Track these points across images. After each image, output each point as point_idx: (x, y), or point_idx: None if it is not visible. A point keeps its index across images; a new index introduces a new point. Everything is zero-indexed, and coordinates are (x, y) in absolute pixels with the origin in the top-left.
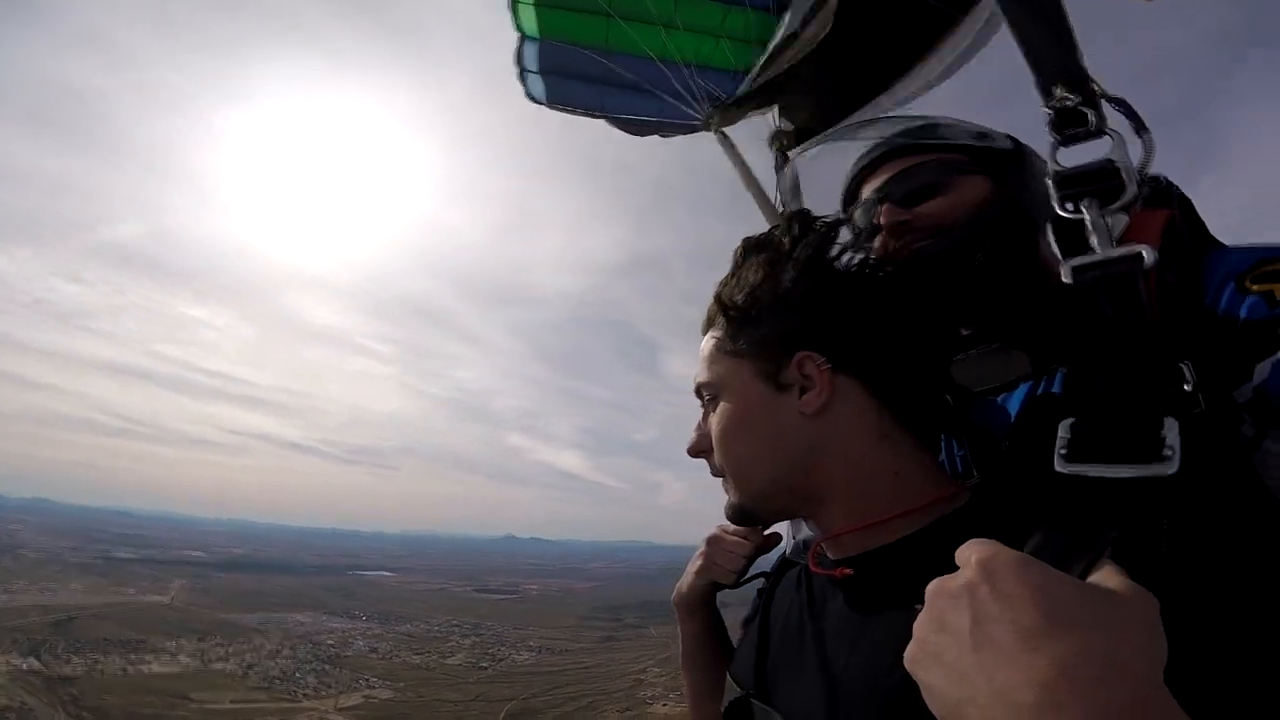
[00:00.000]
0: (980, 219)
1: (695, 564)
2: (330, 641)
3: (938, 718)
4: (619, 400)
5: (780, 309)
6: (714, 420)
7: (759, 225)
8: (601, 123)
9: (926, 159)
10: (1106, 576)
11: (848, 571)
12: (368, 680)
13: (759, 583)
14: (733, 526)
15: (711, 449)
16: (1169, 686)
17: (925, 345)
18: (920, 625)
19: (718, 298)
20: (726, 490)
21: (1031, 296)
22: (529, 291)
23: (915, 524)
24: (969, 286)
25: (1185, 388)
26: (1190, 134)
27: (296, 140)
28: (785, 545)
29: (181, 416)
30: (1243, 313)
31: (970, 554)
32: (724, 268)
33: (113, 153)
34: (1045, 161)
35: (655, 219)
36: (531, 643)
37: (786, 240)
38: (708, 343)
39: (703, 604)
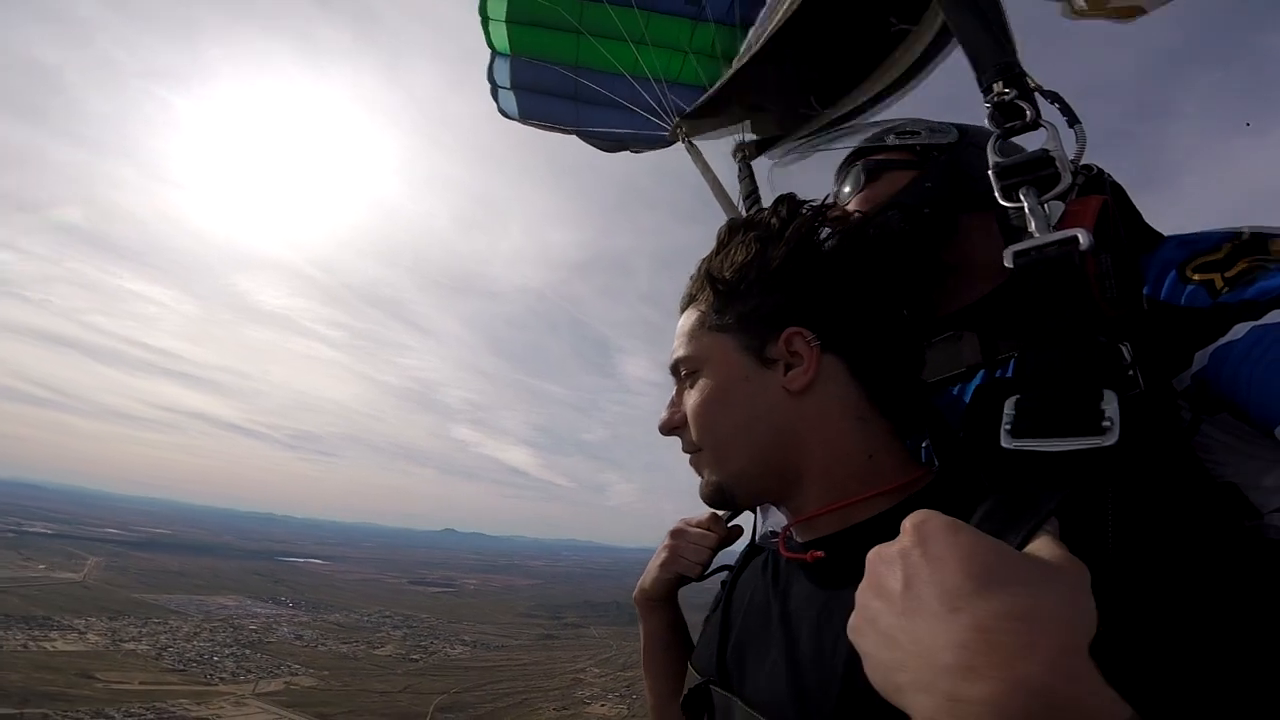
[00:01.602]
0: (875, 209)
1: (660, 557)
2: (253, 627)
3: (875, 686)
4: (572, 399)
5: (769, 285)
6: (692, 395)
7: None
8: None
9: (862, 160)
10: (1042, 545)
11: (819, 554)
12: (290, 667)
13: (722, 576)
14: (696, 518)
15: (686, 424)
16: (1105, 653)
17: (904, 329)
18: (860, 592)
19: (705, 272)
20: (701, 470)
21: (943, 278)
22: (487, 284)
23: (882, 505)
24: (854, 270)
25: (1125, 366)
26: (1130, 155)
27: (257, 122)
28: (753, 535)
29: (111, 390)
30: (1183, 301)
31: (907, 521)
32: (685, 270)
33: (64, 127)
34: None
35: (619, 219)
36: (466, 637)
37: (775, 220)
38: (688, 318)
39: (666, 599)
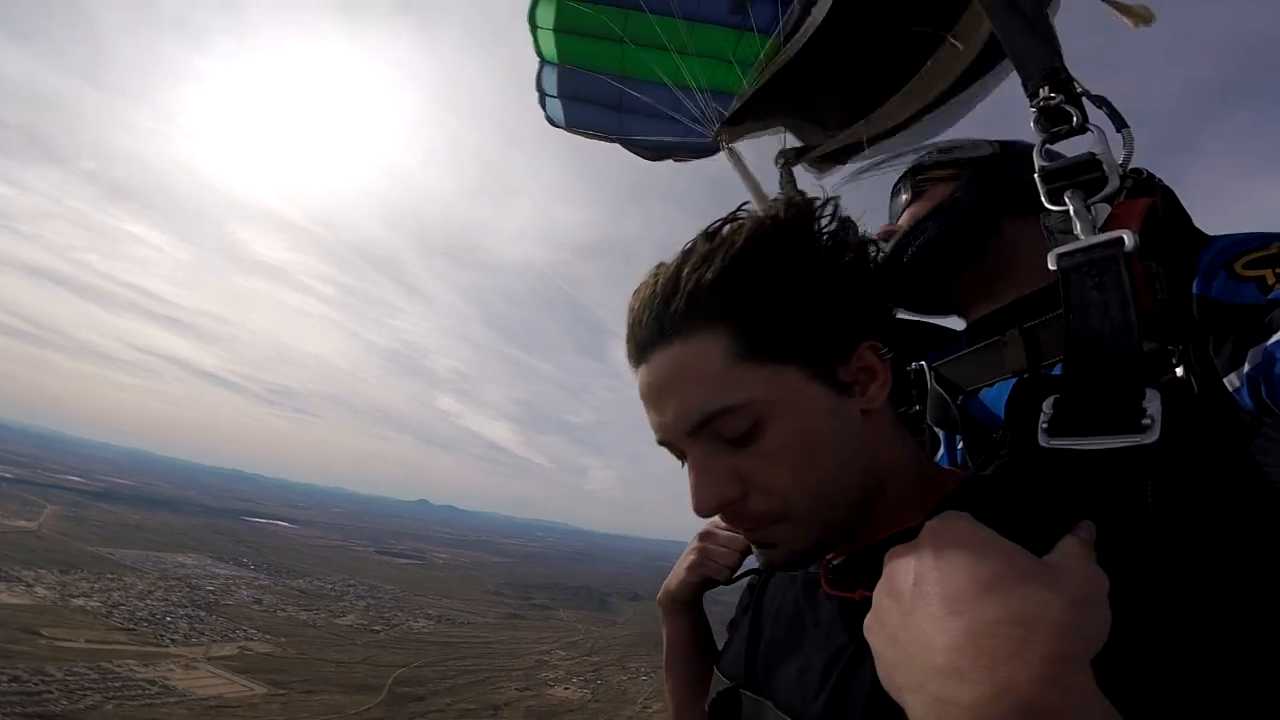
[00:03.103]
0: (918, 221)
1: (688, 559)
2: (210, 588)
3: (882, 684)
4: (560, 378)
5: (833, 298)
6: (759, 452)
7: None
8: None
9: (909, 179)
10: (1065, 550)
11: (868, 594)
12: (246, 632)
13: (748, 580)
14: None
15: (747, 492)
16: (1129, 661)
17: (924, 336)
18: (876, 590)
19: (730, 283)
20: (776, 537)
21: (988, 284)
22: (488, 256)
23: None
24: (900, 280)
25: (1172, 365)
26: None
27: (282, 75)
28: None
29: (91, 327)
30: (1234, 299)
31: (930, 521)
32: None
33: (89, 68)
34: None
35: (630, 205)
36: (430, 611)
37: (822, 219)
38: (706, 350)
39: (691, 602)
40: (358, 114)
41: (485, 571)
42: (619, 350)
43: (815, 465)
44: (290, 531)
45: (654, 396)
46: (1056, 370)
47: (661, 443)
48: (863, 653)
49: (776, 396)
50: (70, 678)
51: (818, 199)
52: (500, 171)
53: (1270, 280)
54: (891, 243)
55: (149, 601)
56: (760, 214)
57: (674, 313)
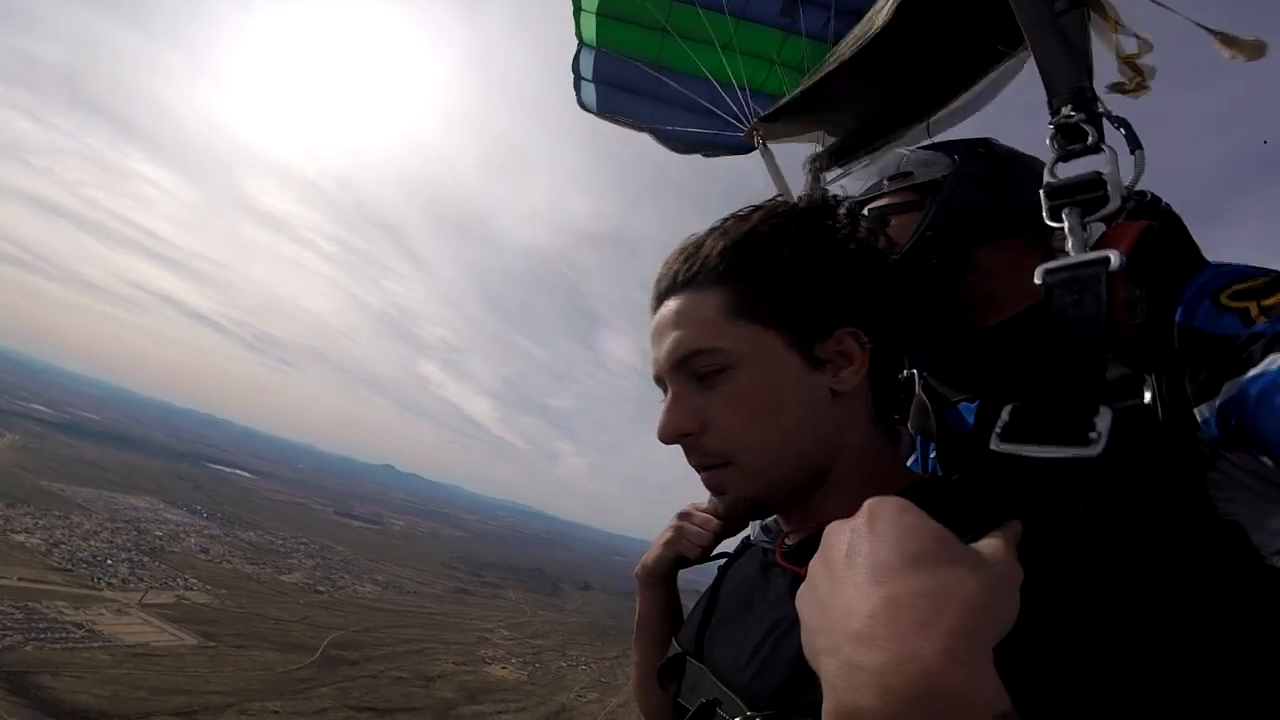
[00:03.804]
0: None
1: (665, 536)
2: (158, 533)
3: (804, 652)
4: (547, 362)
5: (824, 280)
6: (722, 397)
7: None
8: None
9: (881, 200)
10: (990, 541)
11: None
12: (186, 580)
13: (722, 561)
14: (704, 504)
15: (704, 429)
16: (1030, 652)
17: (914, 338)
18: (812, 561)
19: (731, 253)
20: (725, 484)
21: (965, 323)
22: (496, 234)
23: None
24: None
25: (1143, 395)
26: None
27: (312, 33)
28: (750, 530)
29: (86, 259)
30: (1215, 329)
31: (867, 500)
32: None
33: (132, 11)
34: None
35: (645, 201)
36: (379, 577)
37: (838, 215)
38: (697, 302)
39: (665, 577)
40: (388, 77)
41: (441, 544)
42: (610, 341)
43: (769, 422)
44: (250, 482)
45: (657, 334)
46: None
47: (655, 378)
48: (795, 624)
49: (750, 350)
50: None
51: (839, 198)
52: (520, 152)
53: (1254, 313)
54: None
55: (92, 543)
56: (783, 203)
57: (689, 270)
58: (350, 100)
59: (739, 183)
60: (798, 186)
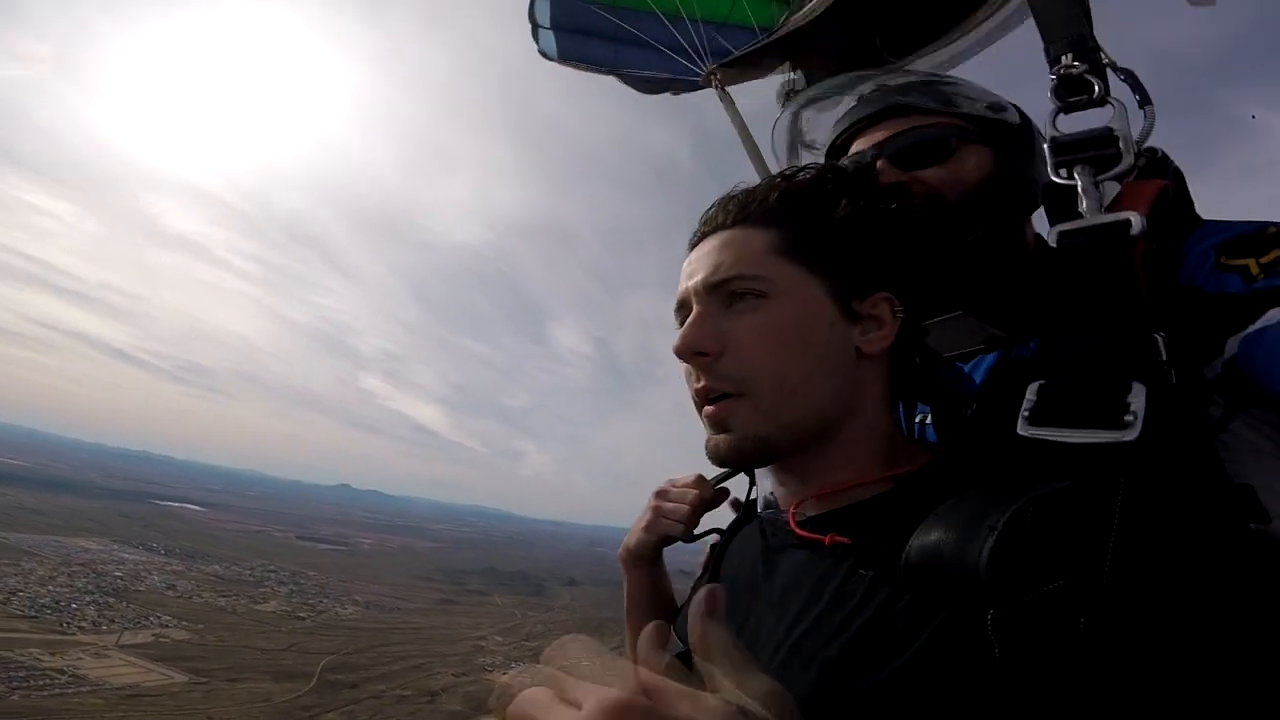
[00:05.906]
0: (980, 197)
1: (643, 519)
2: (118, 573)
3: None
4: (497, 360)
5: (875, 241)
6: (752, 321)
7: (684, 212)
8: (542, 77)
9: (930, 121)
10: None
11: (842, 540)
12: (160, 618)
13: (713, 539)
14: (680, 479)
15: (723, 351)
16: (1079, 659)
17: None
18: None
19: (790, 196)
20: (732, 419)
21: (1013, 270)
22: (424, 234)
23: (883, 487)
24: (959, 264)
25: (1159, 358)
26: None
27: (202, 43)
28: (747, 502)
29: None
30: (1217, 287)
31: (602, 702)
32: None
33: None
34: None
35: (574, 188)
36: (358, 597)
37: (902, 191)
38: (748, 236)
39: (650, 558)
40: (292, 84)
41: (414, 558)
42: (558, 332)
43: (794, 354)
44: (202, 515)
45: (694, 262)
46: (1032, 344)
47: (680, 302)
48: (817, 624)
49: (791, 287)
50: None
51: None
52: (442, 149)
53: (1254, 270)
54: (934, 207)
55: (50, 588)
56: (832, 164)
57: (741, 210)
58: (254, 111)
59: (670, 165)
60: (758, 131)
